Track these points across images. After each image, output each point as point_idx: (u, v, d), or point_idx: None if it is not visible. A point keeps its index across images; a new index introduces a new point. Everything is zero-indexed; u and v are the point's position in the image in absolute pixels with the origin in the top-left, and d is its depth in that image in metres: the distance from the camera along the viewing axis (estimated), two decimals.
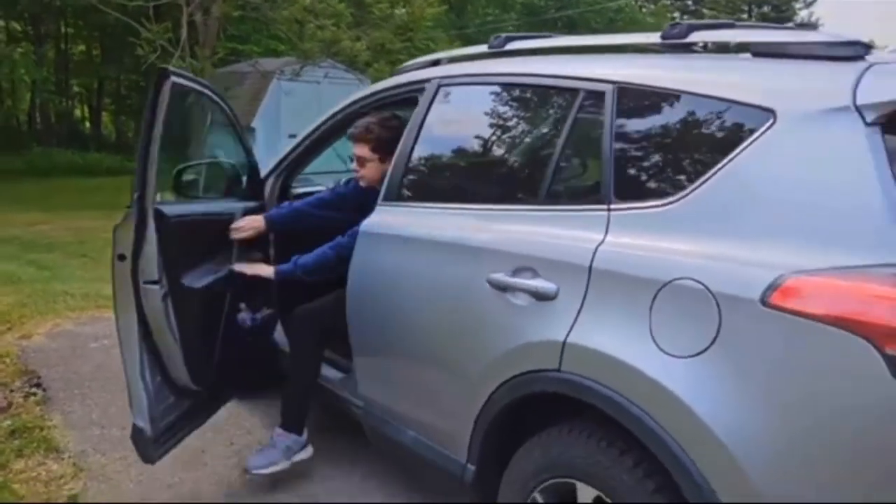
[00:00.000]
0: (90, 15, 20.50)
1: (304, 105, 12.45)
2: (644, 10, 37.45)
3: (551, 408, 1.95)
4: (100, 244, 8.83)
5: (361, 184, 2.90)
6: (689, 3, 40.99)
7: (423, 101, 2.55)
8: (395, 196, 2.52)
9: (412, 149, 2.50)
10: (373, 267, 2.49)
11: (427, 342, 2.30)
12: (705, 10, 38.76)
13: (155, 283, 2.42)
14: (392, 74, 3.03)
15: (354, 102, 2.97)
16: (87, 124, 28.86)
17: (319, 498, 2.89)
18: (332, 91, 12.93)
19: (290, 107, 13.30)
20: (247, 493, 2.91)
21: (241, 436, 3.40)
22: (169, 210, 2.53)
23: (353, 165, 2.88)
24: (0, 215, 11.00)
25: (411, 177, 2.51)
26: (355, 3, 14.98)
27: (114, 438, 3.34)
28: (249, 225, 2.98)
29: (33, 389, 3.95)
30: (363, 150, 2.82)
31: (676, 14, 42.87)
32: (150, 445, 2.52)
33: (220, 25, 14.58)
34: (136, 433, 2.50)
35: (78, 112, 29.20)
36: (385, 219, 2.49)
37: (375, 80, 13.51)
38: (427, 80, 2.58)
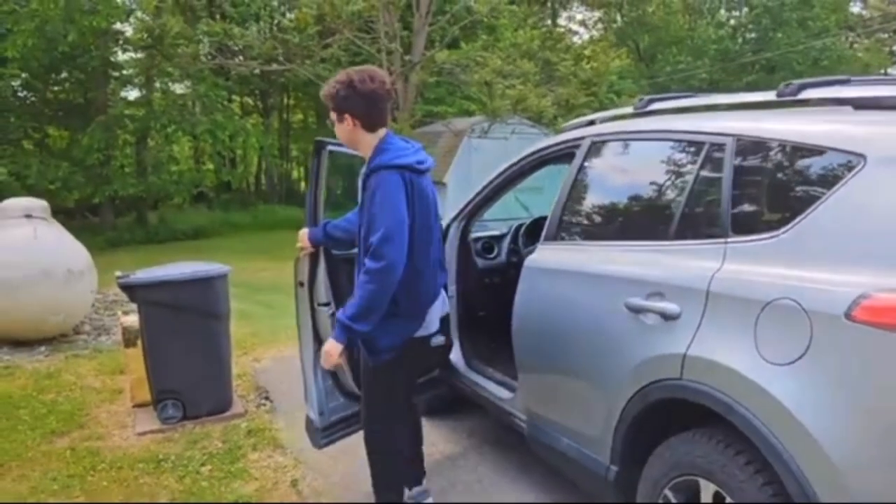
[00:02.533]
0: (309, 87, 23.20)
1: (493, 160, 13.21)
2: (856, 45, 34.84)
3: (681, 414, 2.27)
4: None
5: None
6: None
7: (578, 155, 2.99)
8: (553, 236, 2.97)
9: (569, 195, 2.95)
10: (534, 296, 2.94)
11: (577, 359, 2.69)
12: None
13: (325, 305, 3.14)
14: (558, 132, 3.51)
15: (524, 158, 3.47)
16: (303, 184, 32.15)
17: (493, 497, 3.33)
18: (519, 145, 13.52)
19: (480, 162, 14.20)
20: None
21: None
22: (335, 249, 3.21)
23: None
24: (234, 263, 12.83)
25: (567, 219, 2.95)
26: (542, 62, 15.73)
27: None
28: (301, 240, 3.12)
29: (263, 401, 4.81)
30: (330, 109, 2.74)
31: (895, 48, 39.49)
32: (318, 434, 3.20)
33: (418, 90, 15.99)
34: (309, 423, 3.20)
35: (295, 173, 32.62)
36: (545, 255, 2.95)
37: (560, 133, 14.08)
38: (582, 138, 3.03)
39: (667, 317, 2.24)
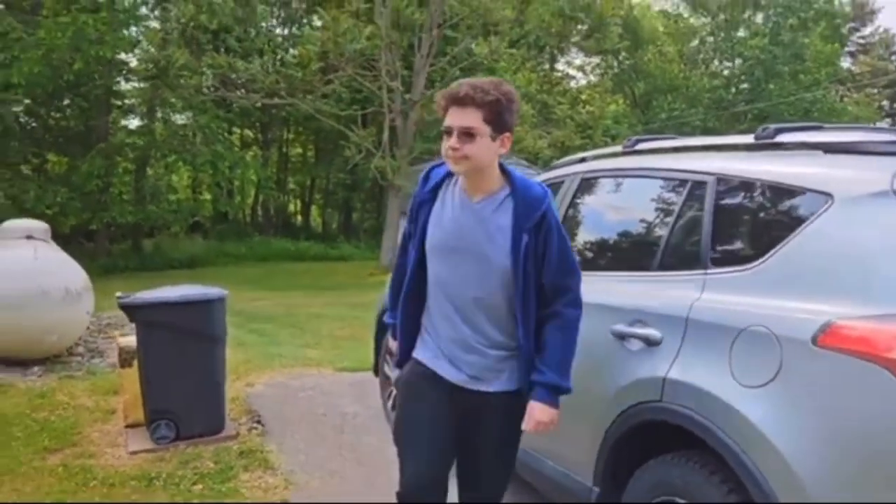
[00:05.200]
0: (309, 122, 23.57)
1: None
2: (846, 98, 35.61)
3: (660, 437, 2.37)
4: (304, 317, 10.18)
5: (456, 168, 2.21)
6: None
7: (568, 189, 3.14)
8: None
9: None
10: None
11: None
12: None
13: None
14: (548, 169, 3.67)
15: None
16: (299, 217, 32.38)
17: None
18: None
19: None
20: None
21: None
22: None
23: (449, 143, 2.17)
24: (229, 292, 12.92)
25: None
26: (539, 104, 16.07)
27: (315, 463, 4.10)
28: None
29: (255, 424, 4.87)
30: (473, 118, 2.14)
31: (885, 102, 40.34)
32: None
33: (417, 128, 16.29)
34: None
35: (291, 206, 32.87)
36: None
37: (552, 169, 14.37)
38: (574, 173, 3.18)
39: (649, 342, 2.36)
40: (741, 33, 30.32)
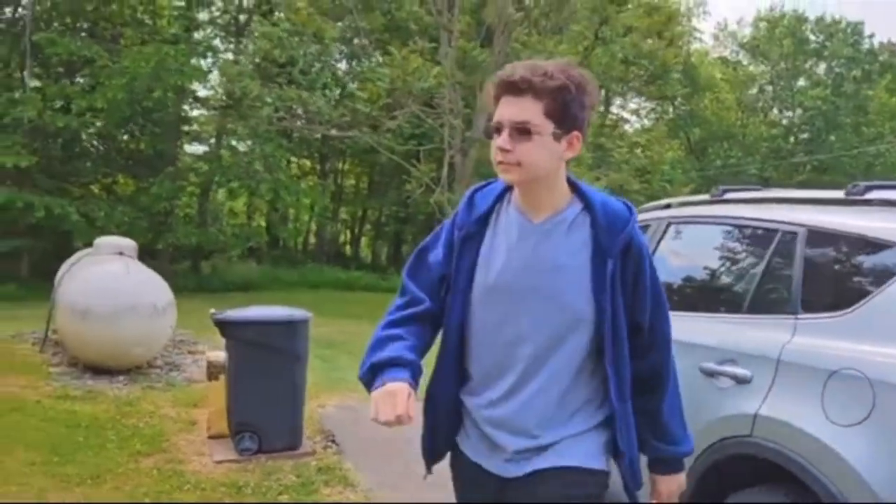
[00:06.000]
0: (366, 155, 24.17)
1: None
2: None
3: (747, 472, 2.51)
4: (362, 345, 10.41)
5: (507, 177, 1.70)
6: None
7: (655, 233, 3.33)
8: None
9: None
10: None
11: None
12: None
13: None
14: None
15: None
16: (348, 247, 32.95)
17: None
18: None
19: None
20: None
21: None
22: None
23: (498, 142, 1.64)
24: None
25: None
26: (596, 147, 16.27)
27: (392, 483, 4.29)
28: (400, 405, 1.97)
29: (329, 443, 5.10)
30: (531, 112, 1.63)
31: None
32: None
33: (476, 165, 16.62)
34: None
35: (342, 236, 33.48)
36: None
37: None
38: (660, 219, 3.37)
39: (739, 380, 2.52)
40: (802, 83, 30.17)
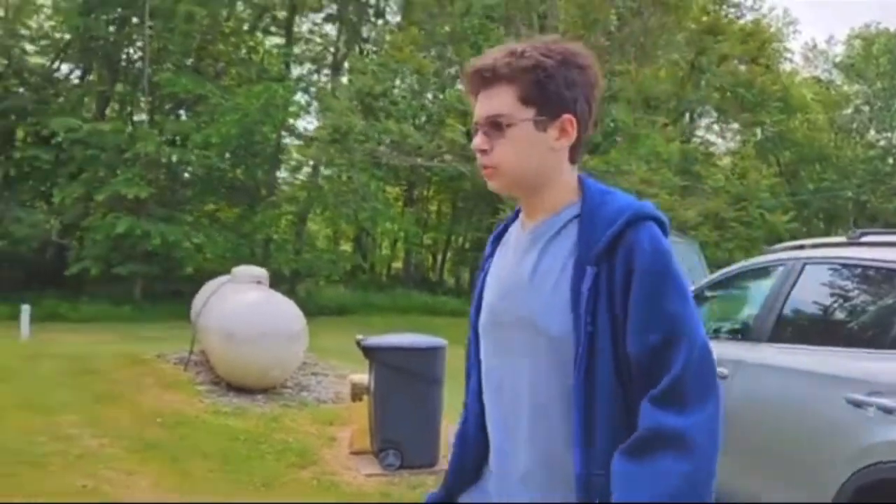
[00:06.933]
0: (452, 182, 24.80)
1: None
2: None
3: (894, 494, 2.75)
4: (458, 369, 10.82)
5: (490, 184, 1.41)
6: None
7: (790, 272, 3.60)
8: (766, 338, 3.55)
9: (783, 304, 3.54)
10: (749, 386, 3.50)
11: (790, 443, 3.21)
12: None
13: None
14: (760, 253, 4.13)
15: (733, 270, 4.10)
16: (431, 273, 33.56)
17: None
18: None
19: None
20: None
21: None
22: None
23: (474, 143, 1.40)
24: None
25: (783, 324, 3.53)
26: (687, 173, 16.30)
27: None
28: None
29: None
30: (503, 100, 1.35)
31: None
32: None
33: None
34: None
35: (426, 262, 34.11)
36: (767, 354, 3.51)
37: (702, 242, 14.50)
38: (795, 259, 3.64)
39: (887, 410, 2.77)
40: None
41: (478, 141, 1.38)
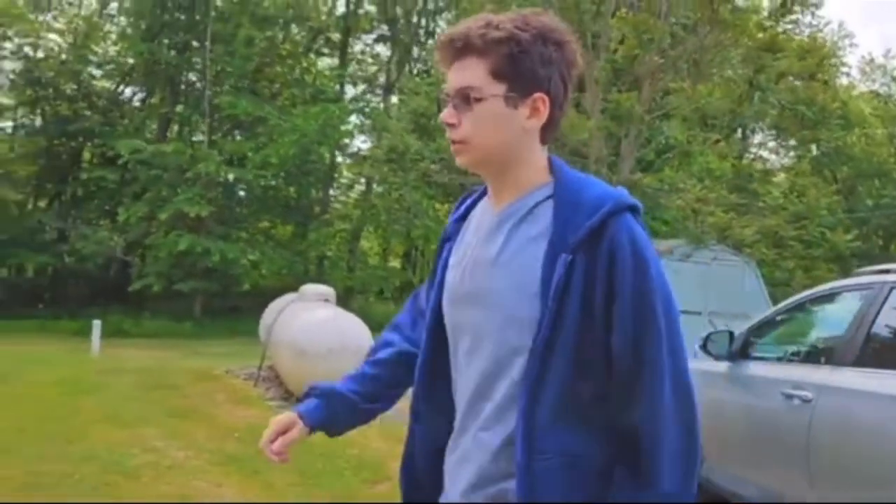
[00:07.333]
0: None
1: (695, 284, 13.19)
2: None
3: None
4: None
5: (458, 160, 1.35)
6: None
7: (876, 296, 3.61)
8: (850, 362, 3.55)
9: (870, 328, 3.55)
10: (846, 412, 3.49)
11: (890, 467, 3.22)
12: None
13: None
14: (848, 276, 4.13)
15: (816, 293, 4.12)
16: None
17: None
18: (720, 272, 13.40)
19: (680, 285, 14.42)
20: None
21: None
22: None
23: (442, 116, 1.34)
24: None
25: (871, 348, 3.54)
26: (743, 190, 16.13)
27: None
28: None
29: None
30: (474, 73, 1.30)
31: None
32: None
33: None
34: None
35: None
36: (854, 379, 3.51)
37: (759, 261, 14.25)
38: (881, 283, 3.65)
39: None
40: None
41: (445, 114, 1.33)
